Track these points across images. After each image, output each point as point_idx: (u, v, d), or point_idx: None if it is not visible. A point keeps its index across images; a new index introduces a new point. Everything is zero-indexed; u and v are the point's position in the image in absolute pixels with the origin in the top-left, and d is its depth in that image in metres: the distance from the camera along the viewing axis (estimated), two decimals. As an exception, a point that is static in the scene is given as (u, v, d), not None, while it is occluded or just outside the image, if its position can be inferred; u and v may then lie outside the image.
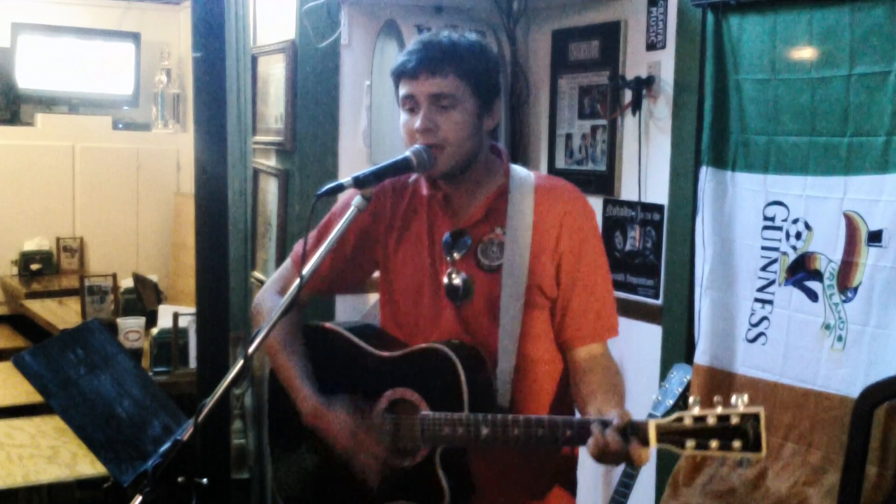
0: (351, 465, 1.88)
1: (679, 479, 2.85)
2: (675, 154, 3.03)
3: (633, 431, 1.55)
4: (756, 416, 1.43)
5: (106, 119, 5.66)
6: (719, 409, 1.46)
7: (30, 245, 5.45)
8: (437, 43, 1.83)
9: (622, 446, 1.56)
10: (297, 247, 2.07)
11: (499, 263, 1.86)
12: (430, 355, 1.83)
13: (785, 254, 2.66)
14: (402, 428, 1.84)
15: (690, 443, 1.48)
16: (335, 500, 1.97)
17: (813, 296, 2.59)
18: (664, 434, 1.51)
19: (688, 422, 1.48)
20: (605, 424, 1.59)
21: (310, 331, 2.02)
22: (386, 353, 1.90)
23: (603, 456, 1.59)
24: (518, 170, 1.94)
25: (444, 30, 1.88)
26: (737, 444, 1.44)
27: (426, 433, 1.79)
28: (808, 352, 2.58)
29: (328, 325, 2.04)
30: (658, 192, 3.12)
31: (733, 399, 1.47)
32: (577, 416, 1.85)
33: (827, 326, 2.54)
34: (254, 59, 3.74)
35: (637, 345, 3.16)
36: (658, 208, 3.12)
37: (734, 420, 1.44)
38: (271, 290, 2.05)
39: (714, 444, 1.45)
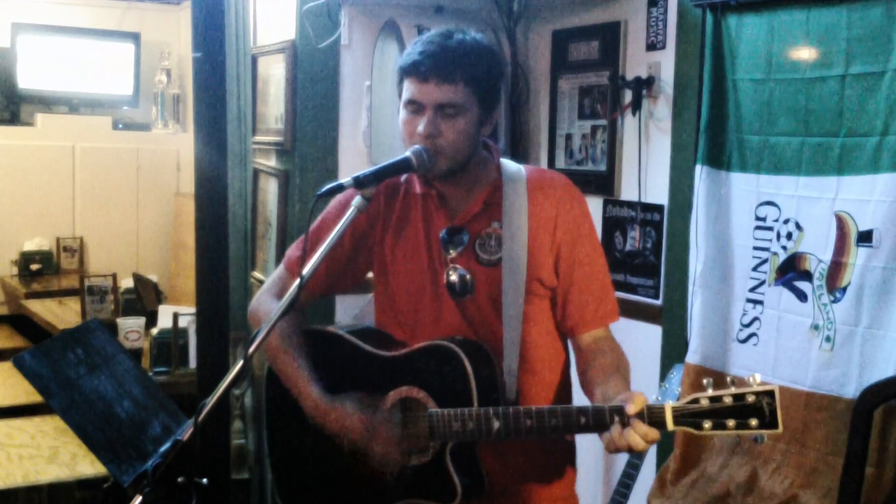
0: (367, 459, 1.88)
1: (667, 476, 2.86)
2: (675, 154, 3.03)
3: (649, 415, 1.58)
4: (771, 394, 1.48)
5: (106, 119, 5.67)
6: (734, 389, 1.50)
7: (30, 245, 5.45)
8: (452, 48, 1.81)
9: (648, 431, 1.57)
10: (290, 251, 2.08)
11: (498, 257, 1.87)
12: (436, 352, 1.83)
13: (775, 254, 2.66)
14: (409, 426, 1.84)
15: (707, 423, 1.51)
16: (345, 501, 1.97)
17: (802, 296, 2.59)
18: (681, 416, 1.54)
19: (704, 403, 1.51)
20: (619, 412, 1.60)
21: (311, 335, 2.01)
22: (390, 353, 1.90)
23: (623, 445, 1.61)
24: (508, 164, 1.96)
25: (457, 31, 1.86)
26: (753, 422, 1.48)
27: (435, 430, 1.80)
28: (798, 352, 2.59)
29: (329, 328, 2.03)
30: (658, 192, 3.13)
31: (748, 378, 1.49)
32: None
33: (815, 327, 2.55)
34: (254, 59, 3.74)
35: (637, 345, 3.15)
36: (658, 208, 3.12)
37: (750, 399, 1.48)
38: (267, 295, 2.05)
39: (731, 423, 1.49)
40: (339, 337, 1.99)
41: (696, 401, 1.52)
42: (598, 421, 1.64)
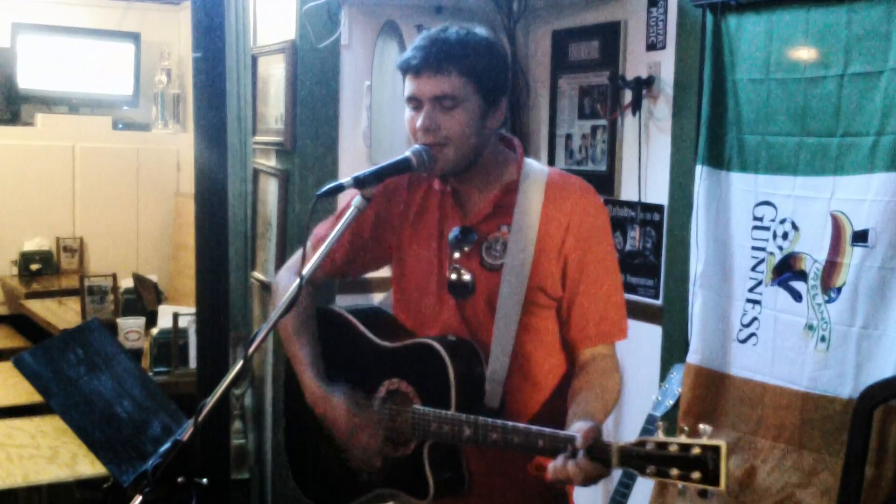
0: (348, 451, 1.91)
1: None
2: (675, 154, 3.04)
3: (596, 452, 1.55)
4: (716, 450, 1.44)
5: (106, 119, 5.66)
6: (682, 439, 1.47)
7: (30, 245, 5.44)
8: (444, 40, 1.81)
9: (590, 468, 1.56)
10: (317, 230, 2.07)
11: (501, 262, 1.85)
12: (423, 351, 1.84)
13: (771, 254, 2.66)
14: (395, 419, 1.86)
15: (651, 468, 1.49)
16: (335, 481, 2.00)
17: (797, 296, 2.59)
18: (626, 457, 1.52)
19: (650, 448, 1.49)
20: (571, 441, 1.58)
21: (318, 313, 2.05)
22: (385, 344, 1.93)
23: (563, 476, 1.58)
24: (532, 164, 1.92)
25: (453, 25, 1.86)
26: (696, 475, 1.44)
27: (416, 427, 1.81)
28: (794, 353, 2.59)
29: (337, 309, 2.06)
30: (658, 192, 3.13)
31: (700, 428, 1.47)
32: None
33: (810, 327, 2.55)
34: (254, 59, 3.74)
35: (637, 345, 3.15)
36: (658, 208, 3.12)
37: (695, 451, 1.45)
38: (289, 272, 2.06)
39: (674, 472, 1.46)
40: (344, 319, 2.02)
41: (643, 444, 1.50)
42: (553, 445, 1.62)
